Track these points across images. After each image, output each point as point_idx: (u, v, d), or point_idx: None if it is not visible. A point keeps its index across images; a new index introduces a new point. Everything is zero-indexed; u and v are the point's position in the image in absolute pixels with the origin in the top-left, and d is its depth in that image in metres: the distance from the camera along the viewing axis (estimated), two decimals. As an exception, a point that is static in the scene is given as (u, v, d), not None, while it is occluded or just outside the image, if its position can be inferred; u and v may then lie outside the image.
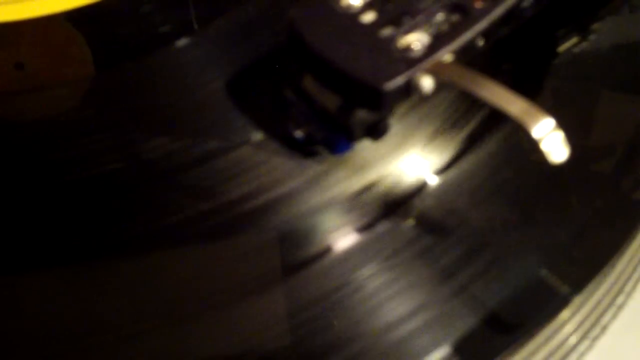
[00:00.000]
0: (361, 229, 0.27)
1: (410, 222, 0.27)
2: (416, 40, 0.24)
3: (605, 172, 0.29)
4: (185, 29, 0.32)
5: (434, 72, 0.24)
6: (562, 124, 0.23)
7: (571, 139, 0.23)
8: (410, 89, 0.24)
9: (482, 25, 0.25)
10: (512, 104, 0.23)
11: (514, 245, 0.27)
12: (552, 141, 0.23)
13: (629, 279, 0.29)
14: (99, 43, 0.33)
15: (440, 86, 0.25)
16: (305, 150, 0.28)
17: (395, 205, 0.28)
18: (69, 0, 0.33)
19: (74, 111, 0.31)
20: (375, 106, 0.25)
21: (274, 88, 0.28)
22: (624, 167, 0.29)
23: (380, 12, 0.25)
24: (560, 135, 0.23)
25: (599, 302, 0.28)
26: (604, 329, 0.28)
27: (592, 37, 0.32)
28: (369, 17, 0.25)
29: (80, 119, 0.30)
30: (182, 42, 0.32)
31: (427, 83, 0.24)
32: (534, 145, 0.23)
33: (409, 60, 0.24)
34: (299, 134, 0.28)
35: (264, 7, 0.33)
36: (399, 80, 0.24)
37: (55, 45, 0.33)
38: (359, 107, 0.25)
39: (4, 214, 0.27)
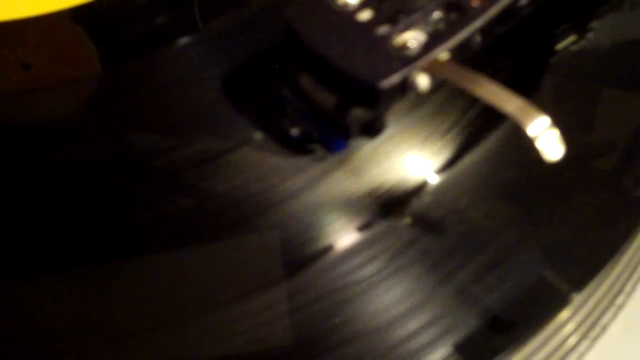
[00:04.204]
0: (361, 229, 0.27)
1: (410, 221, 0.27)
2: (412, 38, 0.24)
3: (605, 170, 0.29)
4: (189, 28, 0.33)
5: (430, 70, 0.24)
6: (562, 121, 0.23)
7: (571, 136, 0.23)
8: (406, 87, 0.24)
9: (478, 23, 0.25)
10: (508, 101, 0.23)
11: (514, 245, 0.27)
12: (547, 139, 0.22)
13: (629, 279, 0.29)
14: (105, 42, 0.33)
15: (440, 85, 0.25)
16: (302, 148, 0.28)
17: (395, 204, 0.28)
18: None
19: (76, 110, 0.31)
20: (371, 104, 0.25)
21: (270, 86, 0.28)
22: (624, 165, 0.29)
23: (377, 11, 0.25)
24: (555, 133, 0.23)
25: (599, 302, 0.28)
26: (604, 329, 0.28)
27: (590, 34, 0.32)
28: (365, 15, 0.25)
29: (82, 118, 0.30)
30: (186, 41, 0.32)
31: (423, 81, 0.24)
32: (530, 143, 0.23)
33: (405, 59, 0.24)
34: (295, 132, 0.28)
35: (268, 7, 0.33)
36: (394, 78, 0.24)
37: (61, 45, 0.33)
38: (355, 105, 0.25)
39: (10, 213, 0.28)
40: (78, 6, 0.33)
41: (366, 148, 0.28)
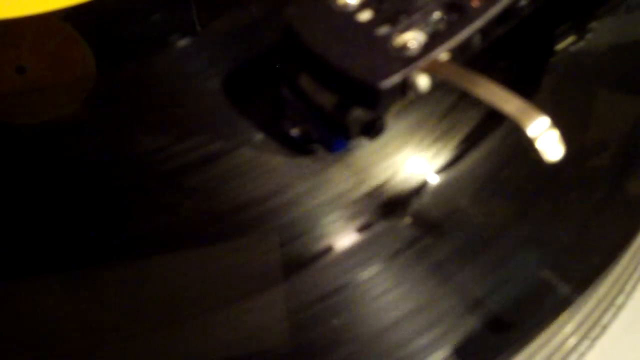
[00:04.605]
0: (361, 229, 0.27)
1: (410, 221, 0.27)
2: (412, 38, 0.24)
3: (606, 171, 0.29)
4: (188, 29, 0.33)
5: (430, 70, 0.24)
6: (561, 122, 0.23)
7: (571, 137, 0.23)
8: (406, 87, 0.24)
9: (478, 24, 0.25)
10: (508, 102, 0.23)
11: (514, 245, 0.27)
12: (547, 140, 0.22)
13: (629, 279, 0.29)
14: (101, 44, 0.33)
15: (440, 86, 0.25)
16: (302, 148, 0.28)
17: (395, 205, 0.28)
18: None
19: (74, 112, 0.31)
20: (371, 105, 0.25)
21: (270, 87, 0.28)
22: (624, 166, 0.29)
23: (377, 11, 0.25)
24: (555, 133, 0.22)
25: (599, 302, 0.28)
26: (604, 329, 0.28)
27: (589, 36, 0.32)
28: (365, 15, 0.25)
29: (80, 120, 0.30)
30: (185, 42, 0.32)
31: (423, 82, 0.24)
32: (529, 143, 0.23)
33: (405, 59, 0.24)
34: (295, 132, 0.28)
35: (266, 8, 0.33)
36: (394, 79, 0.24)
37: (56, 47, 0.33)
38: (355, 105, 0.25)
39: (5, 216, 0.28)
40: (74, 7, 0.33)
41: (366, 148, 0.28)
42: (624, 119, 0.31)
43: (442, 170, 0.29)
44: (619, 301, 0.29)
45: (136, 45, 0.32)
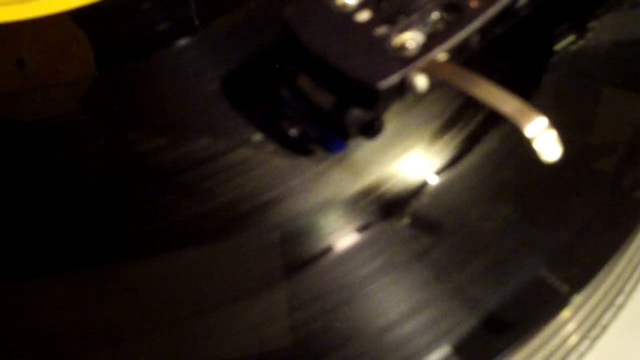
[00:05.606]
0: (361, 229, 0.27)
1: (410, 222, 0.27)
2: (411, 39, 0.24)
3: (605, 171, 0.29)
4: (187, 29, 0.33)
5: (428, 71, 0.24)
6: (562, 122, 0.23)
7: (571, 137, 0.23)
8: (404, 87, 0.24)
9: (477, 24, 0.25)
10: (506, 102, 0.23)
11: (514, 245, 0.27)
12: (544, 140, 0.22)
13: (629, 279, 0.29)
14: (101, 42, 0.33)
15: (439, 86, 0.25)
16: (301, 148, 0.28)
17: (395, 205, 0.28)
18: (70, 0, 0.33)
19: (74, 111, 0.31)
20: (370, 105, 0.25)
21: (269, 87, 0.28)
22: (624, 166, 0.29)
23: (375, 11, 0.25)
24: (553, 134, 0.22)
25: (599, 302, 0.28)
26: (604, 329, 0.28)
27: (590, 34, 0.32)
28: (363, 15, 0.25)
29: (80, 118, 0.30)
30: (183, 41, 0.32)
31: (421, 82, 0.24)
32: (527, 144, 0.23)
33: (403, 59, 0.24)
34: (293, 132, 0.28)
35: (266, 7, 0.33)
36: (393, 79, 0.24)
37: (57, 44, 0.33)
38: (354, 105, 0.25)
39: (3, 215, 0.28)
40: (74, 8, 0.33)
41: (365, 149, 0.28)
42: (625, 118, 0.31)
43: (442, 170, 0.28)
44: (619, 301, 0.29)
45: (135, 45, 0.32)
